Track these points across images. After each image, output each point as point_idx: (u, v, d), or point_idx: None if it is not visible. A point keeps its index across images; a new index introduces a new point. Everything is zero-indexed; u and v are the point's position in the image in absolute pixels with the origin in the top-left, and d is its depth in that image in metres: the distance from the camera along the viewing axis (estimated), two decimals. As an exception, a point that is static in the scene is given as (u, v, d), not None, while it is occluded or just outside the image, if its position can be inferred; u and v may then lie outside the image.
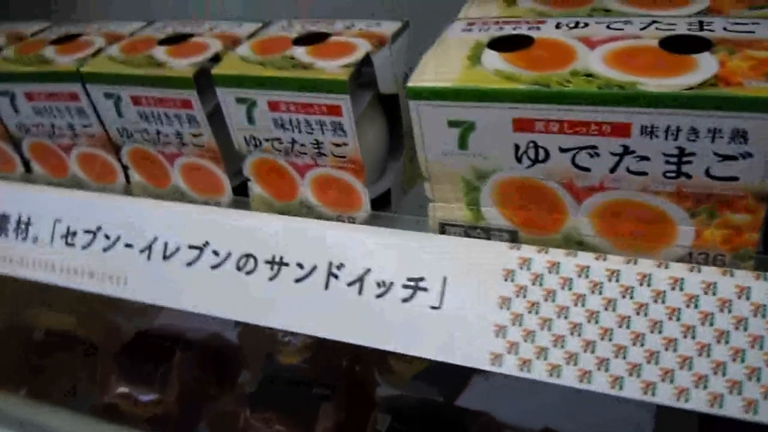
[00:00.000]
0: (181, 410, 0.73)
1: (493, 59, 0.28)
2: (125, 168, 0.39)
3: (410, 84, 0.28)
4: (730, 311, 0.26)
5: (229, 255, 0.34)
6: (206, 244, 0.35)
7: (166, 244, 0.36)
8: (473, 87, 0.27)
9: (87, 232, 0.38)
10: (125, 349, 0.77)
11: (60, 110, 0.38)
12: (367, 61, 0.32)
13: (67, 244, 0.38)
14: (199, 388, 0.75)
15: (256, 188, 0.37)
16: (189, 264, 0.35)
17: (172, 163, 0.38)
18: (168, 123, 0.36)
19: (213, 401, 0.76)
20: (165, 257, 0.36)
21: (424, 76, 0.28)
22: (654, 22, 0.29)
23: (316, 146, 0.34)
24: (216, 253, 0.35)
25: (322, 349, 0.76)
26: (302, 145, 0.34)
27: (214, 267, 0.35)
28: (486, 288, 0.29)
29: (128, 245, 0.37)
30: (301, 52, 0.33)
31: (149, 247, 0.36)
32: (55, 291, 0.91)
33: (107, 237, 0.38)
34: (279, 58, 0.33)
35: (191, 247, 0.35)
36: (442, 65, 0.28)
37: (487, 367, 0.29)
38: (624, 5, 0.32)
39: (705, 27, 0.28)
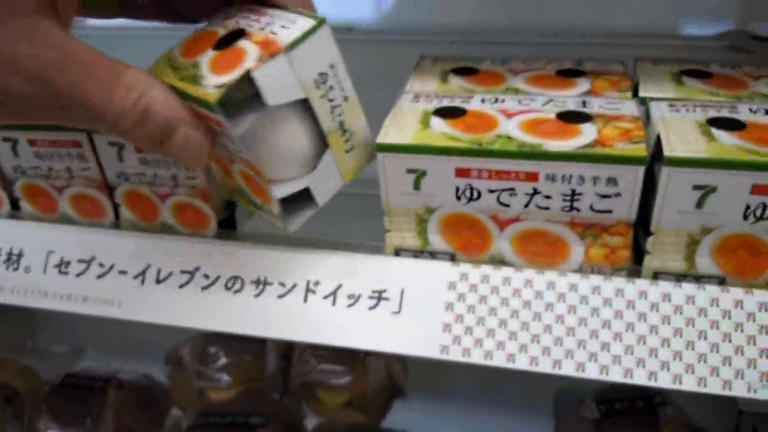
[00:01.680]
0: (114, 449, 0.75)
1: (438, 124, 0.38)
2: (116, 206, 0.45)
3: (378, 141, 0.37)
4: (611, 306, 0.36)
5: (218, 277, 0.41)
6: (197, 268, 0.42)
7: (159, 270, 0.42)
8: (427, 144, 0.36)
9: (81, 261, 0.43)
10: (55, 390, 0.79)
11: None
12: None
13: (60, 272, 0.43)
14: (132, 427, 0.78)
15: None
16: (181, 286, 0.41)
17: (163, 201, 0.44)
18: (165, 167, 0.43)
19: (147, 438, 0.78)
20: (158, 281, 0.42)
21: (389, 135, 0.37)
22: (551, 100, 0.40)
23: (228, 150, 0.36)
24: (206, 276, 0.41)
25: (252, 384, 0.81)
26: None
27: (204, 288, 0.41)
28: (434, 296, 0.38)
29: (122, 272, 0.43)
30: (206, 60, 0.34)
31: (143, 273, 0.42)
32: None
33: (101, 265, 0.43)
34: (189, 67, 0.35)
35: (183, 272, 0.42)
36: (400, 127, 0.38)
37: (437, 356, 0.37)
38: (528, 86, 0.43)
39: (586, 105, 0.39)
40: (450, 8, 0.62)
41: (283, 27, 0.34)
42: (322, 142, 0.37)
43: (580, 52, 0.47)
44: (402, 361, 0.80)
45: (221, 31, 0.36)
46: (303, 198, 0.38)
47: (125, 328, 0.88)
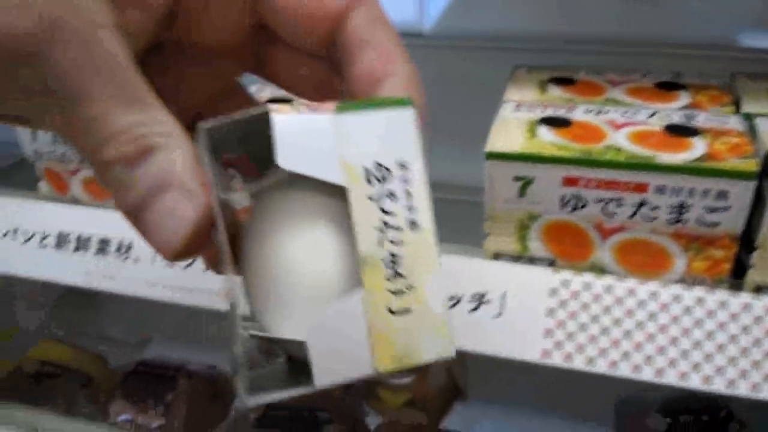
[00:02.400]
0: (185, 436, 0.77)
1: (546, 133, 0.39)
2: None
3: (487, 149, 0.38)
4: (715, 318, 0.37)
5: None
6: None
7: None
8: (537, 153, 0.37)
9: (188, 254, 0.46)
10: (128, 377, 0.82)
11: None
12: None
13: (168, 264, 0.46)
14: (200, 415, 0.80)
15: None
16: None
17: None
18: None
19: (212, 427, 0.81)
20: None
21: (497, 144, 0.38)
22: (655, 113, 0.41)
23: None
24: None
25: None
26: None
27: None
28: (536, 301, 0.39)
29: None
30: None
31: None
32: (45, 325, 0.94)
33: (208, 259, 0.45)
34: None
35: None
36: (507, 135, 0.39)
37: (539, 361, 0.38)
38: (629, 97, 0.43)
39: (692, 119, 0.40)
40: (539, 15, 0.62)
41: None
42: (353, 278, 0.21)
43: (669, 64, 0.48)
44: (463, 363, 0.81)
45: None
46: (287, 362, 0.24)
47: (189, 317, 0.91)
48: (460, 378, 0.81)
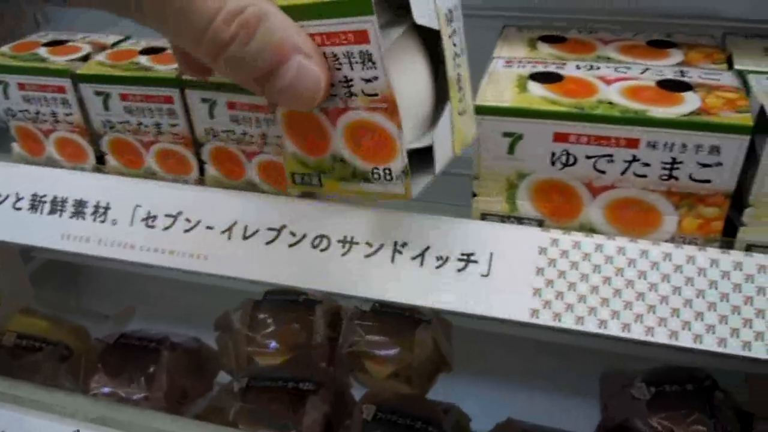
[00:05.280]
0: (167, 408, 0.76)
1: (536, 88, 0.38)
2: (202, 162, 0.46)
3: (477, 103, 0.37)
4: (705, 276, 0.36)
5: (304, 236, 0.42)
6: (284, 226, 0.42)
7: (246, 227, 0.43)
8: (526, 107, 0.36)
9: (168, 216, 0.44)
10: (109, 349, 0.80)
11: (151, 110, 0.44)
12: None
13: (147, 226, 0.44)
14: (184, 388, 0.79)
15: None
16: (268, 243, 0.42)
17: (249, 159, 0.45)
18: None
19: (197, 399, 0.80)
20: (245, 237, 0.42)
21: (486, 97, 0.37)
22: (647, 69, 0.40)
23: (345, 85, 0.31)
24: (293, 234, 0.42)
25: (299, 352, 0.82)
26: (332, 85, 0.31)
27: (291, 246, 0.42)
28: (525, 260, 0.38)
29: (209, 227, 0.43)
30: None
31: (230, 229, 0.43)
32: (24, 297, 0.92)
33: (188, 220, 0.44)
34: None
35: (269, 229, 0.42)
36: (497, 90, 0.38)
37: (528, 320, 0.37)
38: (620, 54, 0.42)
39: (685, 74, 0.39)
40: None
41: None
42: (441, 96, 0.32)
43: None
44: (448, 335, 0.80)
45: None
46: (417, 163, 0.33)
47: (172, 291, 0.90)
48: (446, 350, 0.80)
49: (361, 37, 0.28)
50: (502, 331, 0.80)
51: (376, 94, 0.30)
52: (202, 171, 0.46)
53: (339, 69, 0.30)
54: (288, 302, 0.82)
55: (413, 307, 0.76)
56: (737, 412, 0.68)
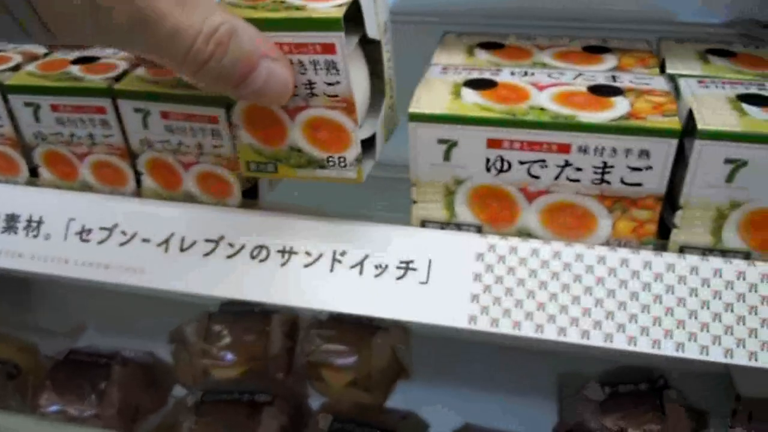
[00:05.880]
0: (119, 425, 0.75)
1: (470, 95, 0.38)
2: (138, 174, 0.45)
3: (411, 110, 0.37)
4: (639, 278, 0.36)
5: (243, 246, 0.41)
6: (222, 237, 0.42)
7: (183, 238, 0.42)
8: (459, 114, 0.36)
9: (103, 229, 0.43)
10: (58, 366, 0.78)
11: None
12: (353, 7, 0.34)
13: (81, 240, 0.43)
14: (136, 404, 0.78)
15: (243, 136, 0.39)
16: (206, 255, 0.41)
17: (186, 169, 0.44)
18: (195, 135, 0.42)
19: (150, 415, 0.78)
20: (182, 250, 0.42)
21: (421, 104, 0.37)
22: (580, 74, 0.40)
23: (308, 87, 0.35)
24: (231, 245, 0.41)
25: (256, 363, 0.81)
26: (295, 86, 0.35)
27: (229, 257, 0.41)
28: (462, 266, 0.38)
29: (145, 240, 0.42)
30: None
31: (167, 242, 0.42)
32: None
33: (123, 233, 0.43)
34: (269, 2, 0.35)
35: (207, 240, 0.42)
36: (432, 97, 0.38)
37: (466, 326, 0.37)
38: (556, 60, 0.43)
39: (616, 79, 0.39)
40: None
41: None
42: (374, 93, 0.39)
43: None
44: (407, 341, 0.80)
45: None
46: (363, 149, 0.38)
47: (125, 305, 0.88)
48: (404, 357, 0.80)
49: (329, 49, 0.33)
50: (461, 337, 0.80)
51: (336, 95, 0.35)
52: (139, 182, 0.45)
53: (303, 74, 0.35)
54: (244, 313, 0.81)
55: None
56: (689, 410, 0.69)
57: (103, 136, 0.43)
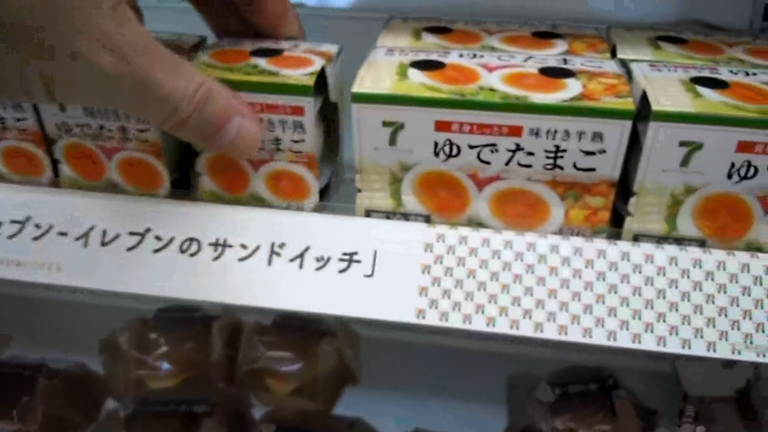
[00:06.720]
0: (44, 441, 0.69)
1: (417, 75, 0.36)
2: (56, 162, 0.41)
3: (354, 90, 0.34)
4: (593, 267, 0.35)
5: (172, 239, 0.38)
6: (148, 230, 0.38)
7: (104, 232, 0.38)
8: (405, 94, 0.34)
9: (14, 222, 0.39)
10: (-23, 380, 0.72)
11: None
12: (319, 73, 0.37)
13: (-10, 235, 0.39)
14: (64, 417, 0.72)
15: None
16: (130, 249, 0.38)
17: (109, 157, 0.40)
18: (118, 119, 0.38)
19: (79, 429, 0.73)
20: (103, 244, 0.38)
21: (365, 84, 0.35)
22: (531, 57, 0.38)
23: (275, 143, 0.38)
24: (158, 238, 0.38)
25: (195, 373, 0.77)
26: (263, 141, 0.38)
27: (156, 251, 0.38)
28: (410, 258, 0.36)
29: (62, 233, 0.38)
30: (263, 63, 0.37)
31: (86, 235, 0.38)
32: None
33: (38, 226, 0.39)
34: (243, 66, 0.37)
35: (132, 233, 0.38)
36: (376, 78, 0.35)
37: (414, 321, 0.35)
38: (505, 45, 0.41)
39: (568, 62, 0.37)
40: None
41: (315, 47, 0.40)
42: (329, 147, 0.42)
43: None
44: (355, 346, 0.77)
45: (249, 48, 0.39)
46: None
47: (53, 314, 0.83)
48: (351, 362, 0.77)
49: (298, 111, 0.36)
50: (410, 340, 0.78)
51: (300, 152, 0.38)
52: (56, 171, 0.41)
53: (272, 131, 0.37)
54: (181, 319, 0.77)
55: (315, 317, 0.72)
56: (639, 409, 0.68)
57: (15, 119, 0.39)
